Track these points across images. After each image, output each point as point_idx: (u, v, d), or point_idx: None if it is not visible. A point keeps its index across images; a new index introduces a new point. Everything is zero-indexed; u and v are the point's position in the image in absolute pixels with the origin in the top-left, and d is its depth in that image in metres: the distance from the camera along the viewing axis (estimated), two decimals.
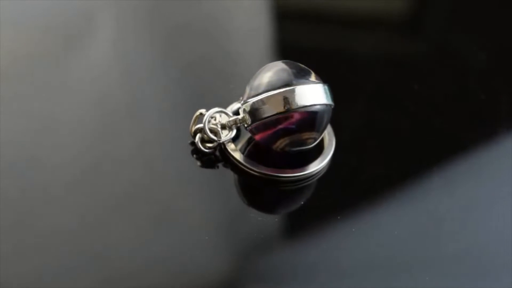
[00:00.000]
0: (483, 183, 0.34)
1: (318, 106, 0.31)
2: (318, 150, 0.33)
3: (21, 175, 0.32)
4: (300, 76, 0.31)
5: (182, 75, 0.38)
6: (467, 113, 0.37)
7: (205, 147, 0.33)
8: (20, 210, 0.31)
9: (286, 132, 0.31)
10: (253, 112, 0.31)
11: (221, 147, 0.33)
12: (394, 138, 0.36)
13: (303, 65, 0.32)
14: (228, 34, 0.41)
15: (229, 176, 0.33)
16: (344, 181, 0.34)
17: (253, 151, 0.33)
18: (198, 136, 0.33)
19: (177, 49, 0.39)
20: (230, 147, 0.33)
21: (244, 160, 0.32)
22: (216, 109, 0.33)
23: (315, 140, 0.32)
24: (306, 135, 0.31)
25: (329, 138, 0.34)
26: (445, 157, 0.35)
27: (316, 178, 0.33)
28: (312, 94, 0.31)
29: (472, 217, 0.33)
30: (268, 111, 0.31)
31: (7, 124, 0.34)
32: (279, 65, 0.31)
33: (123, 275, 0.29)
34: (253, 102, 0.31)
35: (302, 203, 0.33)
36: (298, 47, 0.41)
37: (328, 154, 0.33)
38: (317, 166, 0.33)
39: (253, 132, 0.32)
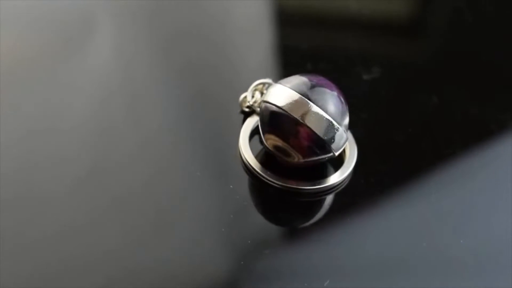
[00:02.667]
0: (485, 182, 0.34)
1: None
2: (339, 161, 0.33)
3: (21, 178, 0.32)
4: (335, 111, 0.30)
5: (182, 77, 0.38)
6: (470, 113, 0.37)
7: (243, 106, 0.34)
8: (20, 211, 0.31)
9: (298, 146, 0.30)
10: (271, 94, 0.31)
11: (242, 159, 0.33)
12: (403, 141, 0.35)
13: (344, 104, 0.31)
14: (229, 36, 0.41)
15: (240, 178, 0.33)
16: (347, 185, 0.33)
17: (269, 159, 0.32)
18: (244, 94, 0.35)
19: (177, 51, 0.39)
20: (248, 154, 0.33)
21: (262, 171, 0.32)
22: (271, 81, 0.34)
23: (295, 160, 0.31)
24: (296, 155, 0.31)
25: (350, 147, 0.33)
26: (448, 157, 0.34)
27: (337, 191, 0.32)
28: (328, 132, 0.30)
29: (476, 217, 0.32)
30: (283, 105, 0.30)
31: (7, 126, 0.34)
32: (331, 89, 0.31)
33: (123, 275, 0.29)
34: (276, 86, 0.31)
35: (305, 206, 0.32)
36: (299, 49, 0.40)
37: (350, 167, 0.33)
38: (337, 179, 0.32)
39: (264, 110, 0.31)
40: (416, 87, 0.38)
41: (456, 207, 0.33)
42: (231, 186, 0.33)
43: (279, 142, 0.31)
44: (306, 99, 0.30)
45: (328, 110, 0.30)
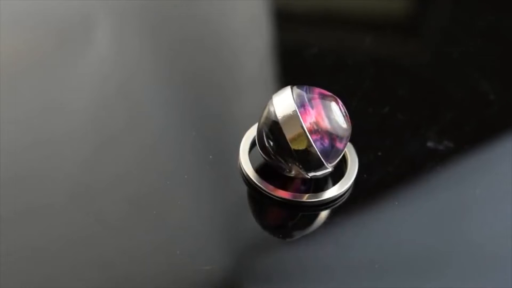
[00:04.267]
0: (485, 182, 0.34)
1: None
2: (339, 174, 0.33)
3: (19, 180, 0.33)
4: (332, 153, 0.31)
5: (181, 75, 0.38)
6: (470, 112, 0.38)
7: None
8: (19, 213, 0.31)
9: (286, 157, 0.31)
10: (278, 97, 0.31)
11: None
12: (401, 141, 0.36)
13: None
14: (228, 36, 0.41)
15: (239, 189, 0.33)
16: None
17: (268, 171, 0.33)
18: None
19: (178, 54, 0.39)
20: (247, 166, 0.33)
21: (261, 183, 0.32)
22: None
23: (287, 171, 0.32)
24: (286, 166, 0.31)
25: (350, 158, 0.33)
26: (448, 156, 0.35)
27: (336, 204, 0.33)
28: (311, 166, 0.30)
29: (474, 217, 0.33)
30: (280, 117, 0.30)
31: (6, 123, 0.34)
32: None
33: (122, 273, 0.30)
34: (286, 91, 0.31)
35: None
36: (298, 48, 0.41)
37: (349, 181, 0.33)
38: (336, 192, 0.32)
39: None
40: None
41: (456, 216, 0.33)
42: (210, 156, 0.33)
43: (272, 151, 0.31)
44: (301, 120, 0.30)
45: (320, 141, 0.30)
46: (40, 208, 0.31)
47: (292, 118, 0.30)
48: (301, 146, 0.30)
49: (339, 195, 0.33)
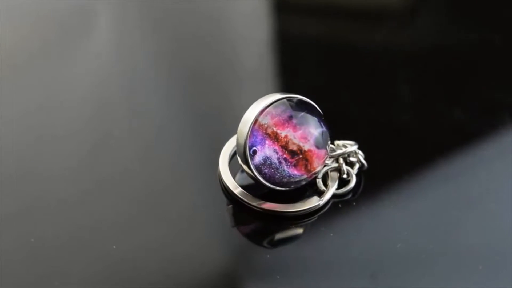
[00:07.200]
0: (483, 179, 0.33)
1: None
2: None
3: (20, 172, 0.33)
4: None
5: (181, 71, 0.39)
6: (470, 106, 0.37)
7: None
8: (20, 209, 0.31)
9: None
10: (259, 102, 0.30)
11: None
12: (397, 137, 0.36)
13: None
14: (228, 28, 0.41)
15: (220, 201, 0.33)
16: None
17: (249, 182, 0.32)
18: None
19: (177, 44, 0.39)
20: (227, 178, 0.32)
21: (242, 194, 0.31)
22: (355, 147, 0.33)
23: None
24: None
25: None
26: (447, 154, 0.34)
27: (317, 214, 0.32)
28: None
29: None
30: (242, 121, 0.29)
31: (6, 120, 0.34)
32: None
33: (121, 273, 0.30)
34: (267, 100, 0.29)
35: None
36: (298, 41, 0.40)
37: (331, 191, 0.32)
38: (316, 202, 0.31)
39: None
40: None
41: (452, 217, 0.32)
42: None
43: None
44: (248, 144, 0.29)
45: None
46: (38, 206, 0.32)
47: (242, 131, 0.29)
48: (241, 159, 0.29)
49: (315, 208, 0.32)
